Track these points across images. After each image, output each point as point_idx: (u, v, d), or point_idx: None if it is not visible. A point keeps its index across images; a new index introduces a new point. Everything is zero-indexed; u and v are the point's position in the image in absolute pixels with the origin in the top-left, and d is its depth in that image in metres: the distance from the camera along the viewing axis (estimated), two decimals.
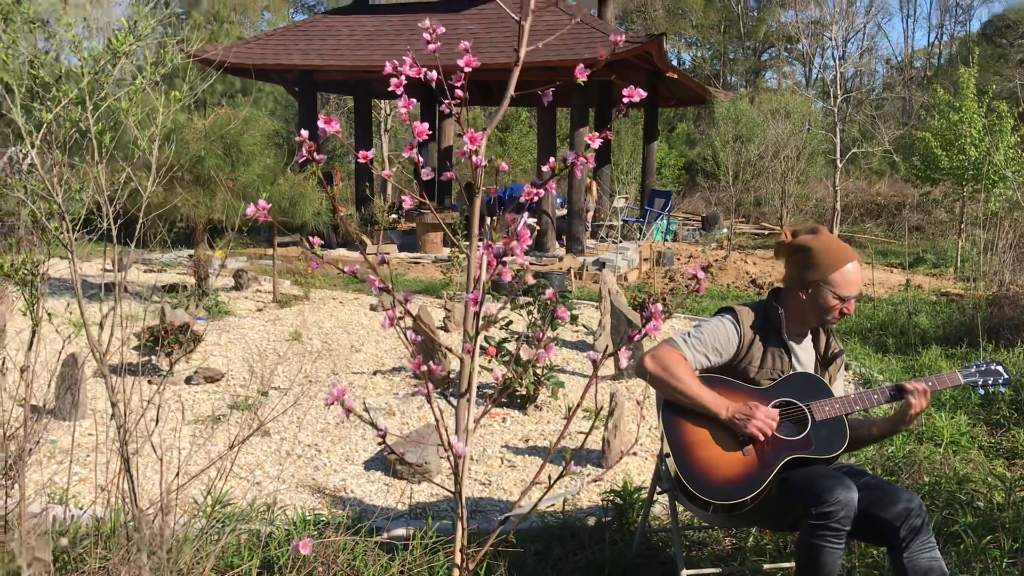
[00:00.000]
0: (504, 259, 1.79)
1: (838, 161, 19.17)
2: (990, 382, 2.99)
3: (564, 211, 14.60)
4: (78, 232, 2.42)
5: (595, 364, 1.81)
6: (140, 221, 2.66)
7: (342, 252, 13.83)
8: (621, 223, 16.65)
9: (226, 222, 8.67)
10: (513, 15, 1.88)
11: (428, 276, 12.25)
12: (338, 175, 19.10)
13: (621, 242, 15.60)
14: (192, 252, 9.37)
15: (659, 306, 1.89)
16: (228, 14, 33.97)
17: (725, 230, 18.04)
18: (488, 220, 12.63)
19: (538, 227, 13.90)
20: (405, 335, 1.93)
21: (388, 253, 13.86)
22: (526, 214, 14.38)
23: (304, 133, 1.75)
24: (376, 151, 23.95)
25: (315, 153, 1.75)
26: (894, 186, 24.63)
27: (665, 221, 16.91)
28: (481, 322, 1.86)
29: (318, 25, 14.93)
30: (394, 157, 26.26)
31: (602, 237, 16.26)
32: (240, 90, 23.53)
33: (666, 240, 16.65)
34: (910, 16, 43.91)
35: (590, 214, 16.31)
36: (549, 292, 1.93)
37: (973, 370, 3.01)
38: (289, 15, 49.93)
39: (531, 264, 12.77)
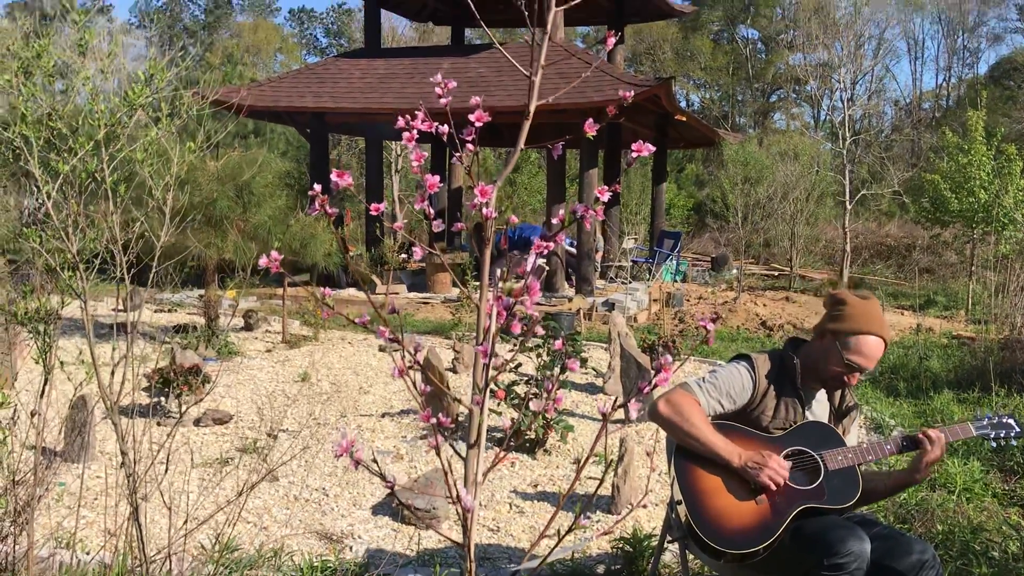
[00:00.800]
0: (514, 311, 1.79)
1: (847, 203, 19.21)
2: (1002, 435, 2.97)
3: (574, 251, 14.63)
4: (91, 274, 2.44)
5: (604, 417, 1.81)
6: (153, 265, 2.68)
7: (352, 292, 13.87)
8: (631, 264, 16.67)
9: (237, 263, 8.72)
10: (524, 71, 1.91)
11: (437, 316, 12.26)
12: (348, 215, 19.22)
13: (631, 283, 15.61)
14: (203, 292, 9.42)
15: (669, 357, 1.89)
16: (242, 56, 34.42)
17: (735, 271, 18.03)
18: (498, 271, 12.65)
19: (548, 267, 13.93)
20: (414, 385, 1.94)
21: (398, 293, 13.90)
22: (535, 260, 14.47)
23: (317, 187, 1.77)
24: (387, 191, 24.10)
25: (327, 206, 1.76)
26: (904, 227, 24.64)
27: (675, 262, 16.92)
28: (491, 373, 1.86)
29: (330, 68, 15.11)
30: (404, 197, 26.43)
31: (612, 278, 16.28)
32: (252, 131, 23.77)
33: (676, 281, 16.65)
34: (918, 58, 44.14)
35: (599, 254, 16.34)
36: (558, 343, 1.93)
37: (985, 422, 2.99)
38: (302, 57, 50.62)
39: (541, 305, 12.78)
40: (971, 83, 40.08)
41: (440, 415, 1.88)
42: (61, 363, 2.18)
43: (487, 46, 14.74)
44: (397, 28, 33.45)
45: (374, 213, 1.85)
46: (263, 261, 1.84)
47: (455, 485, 1.85)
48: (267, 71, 42.87)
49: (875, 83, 39.10)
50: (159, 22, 52.71)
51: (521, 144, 1.94)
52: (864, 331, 2.93)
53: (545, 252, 1.82)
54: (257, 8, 56.10)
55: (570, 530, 1.79)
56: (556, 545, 1.88)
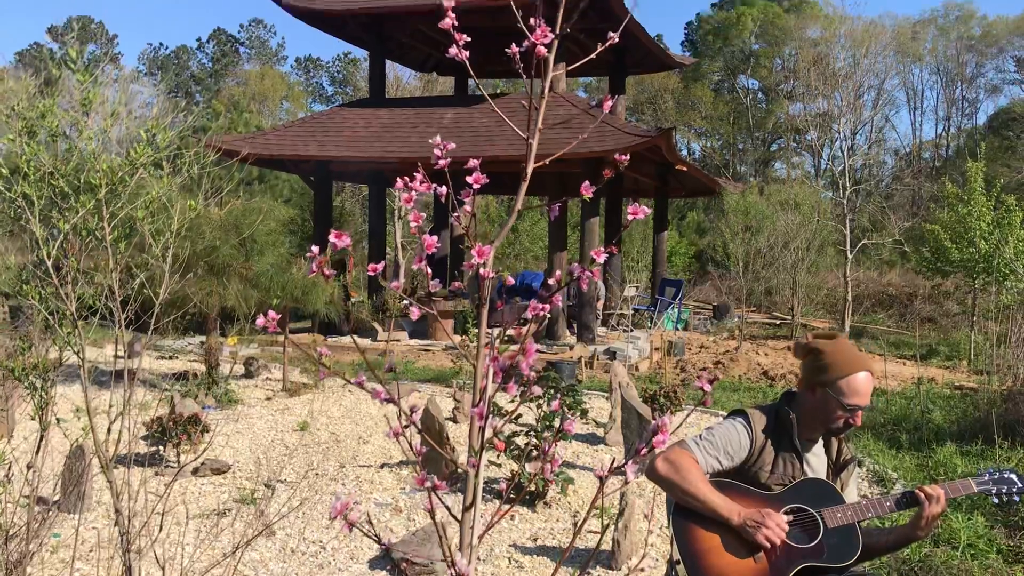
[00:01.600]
0: (510, 372, 1.79)
1: (848, 252, 19.26)
2: (1004, 491, 2.94)
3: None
4: (90, 330, 2.45)
5: (601, 480, 1.80)
6: (154, 316, 2.69)
7: (354, 339, 13.84)
8: (632, 312, 16.67)
9: (238, 310, 8.73)
10: (521, 133, 1.93)
11: (438, 364, 12.24)
12: (351, 262, 19.27)
13: (632, 331, 15.59)
14: (204, 339, 9.41)
15: (666, 419, 1.89)
16: (248, 103, 34.81)
17: (736, 320, 18.02)
18: (503, 315, 12.63)
19: (548, 315, 13.91)
20: (411, 445, 1.93)
21: (399, 340, 13.88)
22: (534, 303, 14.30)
23: (315, 249, 1.78)
24: (390, 237, 24.20)
25: (325, 268, 1.77)
26: (905, 276, 24.66)
27: (676, 310, 16.92)
28: (488, 434, 1.85)
29: (335, 117, 15.27)
30: (407, 243, 26.52)
31: (613, 326, 16.27)
32: (257, 177, 23.94)
33: (677, 329, 16.63)
34: (917, 108, 44.46)
35: (600, 302, 16.35)
36: (555, 403, 1.92)
37: (987, 478, 2.96)
38: (308, 105, 51.14)
39: (542, 353, 12.76)
40: (970, 133, 40.41)
41: (435, 477, 1.87)
42: (58, 420, 2.18)
43: (491, 96, 14.88)
44: (402, 77, 33.86)
45: (371, 273, 1.86)
46: (260, 321, 1.84)
47: (450, 550, 1.83)
48: (273, 118, 43.29)
49: (875, 133, 39.43)
50: (166, 72, 53.37)
51: (519, 205, 1.95)
52: (851, 372, 2.93)
53: (541, 313, 1.82)
54: (264, 57, 56.83)
55: None
56: None
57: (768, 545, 2.81)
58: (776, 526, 2.81)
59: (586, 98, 15.23)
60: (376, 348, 13.16)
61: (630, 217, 1.91)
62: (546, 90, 1.89)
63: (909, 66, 42.29)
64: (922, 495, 2.92)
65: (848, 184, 20.37)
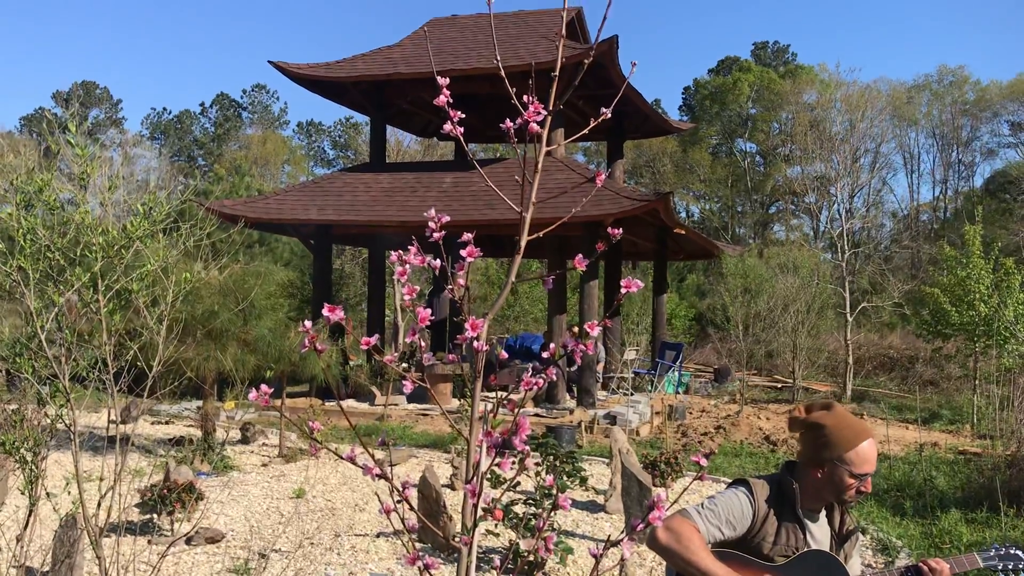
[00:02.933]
0: (504, 450, 1.77)
1: (848, 315, 19.25)
2: (1010, 567, 2.91)
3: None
4: (87, 394, 2.43)
5: (596, 559, 1.77)
6: (149, 382, 2.67)
7: (351, 403, 13.77)
8: (632, 375, 16.60)
9: (236, 375, 8.70)
10: (515, 207, 1.94)
11: (436, 429, 12.14)
12: (350, 325, 19.26)
13: (632, 394, 15.51)
14: (200, 404, 9.36)
15: (662, 494, 1.86)
16: (250, 167, 35.15)
17: (737, 383, 17.94)
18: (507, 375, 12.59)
19: (548, 380, 13.84)
20: (403, 521, 1.90)
21: (397, 404, 13.80)
22: (533, 366, 14.23)
23: (307, 324, 1.77)
24: (389, 299, 24.22)
25: (316, 344, 1.76)
26: (906, 339, 24.61)
27: (677, 373, 16.86)
28: (480, 513, 1.83)
29: (336, 181, 15.40)
30: (407, 307, 26.54)
31: (613, 389, 16.19)
32: (258, 240, 24.04)
33: (678, 393, 16.55)
34: (914, 171, 44.89)
35: (600, 365, 16.29)
36: (550, 479, 1.90)
37: (992, 553, 2.94)
38: (309, 168, 51.65)
39: (541, 417, 12.67)
40: (967, 196, 40.70)
41: (427, 555, 1.83)
42: (48, 494, 2.15)
43: (490, 160, 15.04)
44: (403, 141, 34.26)
45: (364, 347, 1.86)
46: (253, 396, 1.83)
47: None
48: (275, 182, 43.69)
49: (873, 196, 39.76)
50: (169, 136, 53.98)
51: (512, 277, 1.96)
52: (857, 443, 2.91)
53: (534, 388, 1.81)
54: (266, 121, 57.55)
55: None
56: None
57: None
58: None
59: (585, 163, 15.39)
60: (374, 412, 13.07)
61: (623, 291, 1.91)
62: (539, 165, 1.90)
63: (905, 130, 42.81)
64: (926, 568, 2.88)
65: (847, 247, 20.46)
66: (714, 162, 43.96)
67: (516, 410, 1.77)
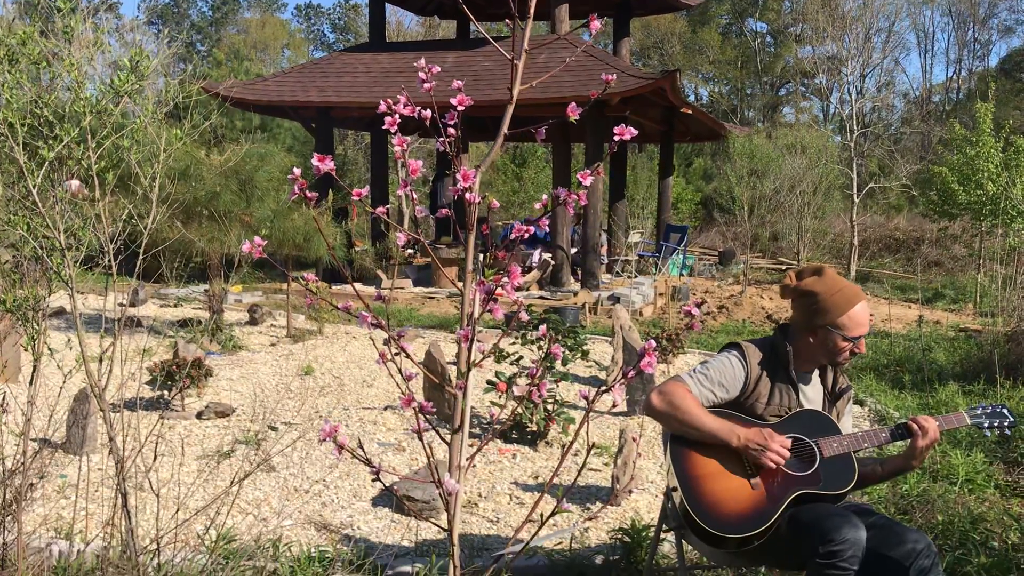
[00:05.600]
0: (495, 296, 1.79)
1: (855, 196, 19.12)
2: (996, 424, 2.98)
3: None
4: (90, 267, 2.44)
5: (588, 400, 1.81)
6: (140, 255, 2.67)
7: (357, 287, 13.88)
8: (636, 258, 16.63)
9: (241, 257, 8.74)
10: (507, 54, 1.90)
11: (443, 311, 12.26)
12: (355, 210, 19.24)
13: (636, 277, 15.58)
14: (207, 287, 9.44)
15: (652, 342, 1.88)
16: (248, 52, 34.47)
17: (741, 265, 17.98)
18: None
19: (553, 262, 13.91)
20: (400, 372, 1.93)
21: (403, 288, 13.91)
22: (539, 255, 14.25)
23: (296, 171, 1.76)
24: (392, 186, 24.10)
25: (307, 191, 1.76)
26: (913, 221, 24.53)
27: (681, 256, 16.88)
28: (475, 357, 1.85)
29: (335, 63, 15.11)
30: (415, 195, 26.39)
31: (617, 272, 16.25)
32: (259, 126, 23.79)
33: (682, 275, 16.61)
34: (928, 51, 43.87)
35: (604, 248, 16.31)
36: (543, 329, 1.92)
37: (979, 411, 3.01)
38: (309, 53, 50.65)
39: (545, 299, 12.77)
40: (981, 76, 39.83)
41: (431, 405, 1.87)
42: (50, 350, 2.18)
43: (494, 39, 14.68)
44: (403, 22, 33.46)
45: (376, 215, 1.85)
46: (246, 247, 1.83)
47: (436, 469, 1.85)
48: (274, 67, 42.89)
49: (884, 76, 38.90)
50: (167, 22, 52.79)
51: (504, 129, 1.94)
52: (849, 307, 2.95)
53: (526, 235, 1.81)
54: (264, 4, 56.16)
55: (553, 513, 1.78)
56: (539, 528, 1.87)
57: (773, 466, 2.83)
58: (779, 447, 2.83)
59: (590, 41, 15.02)
60: (364, 293, 13.18)
61: (616, 138, 1.89)
62: (532, 7, 1.85)
63: (920, 7, 41.56)
64: (915, 426, 2.94)
65: (856, 127, 20.16)
66: (724, 43, 42.90)
67: (506, 256, 1.78)
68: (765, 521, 2.78)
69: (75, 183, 2.29)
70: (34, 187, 1.99)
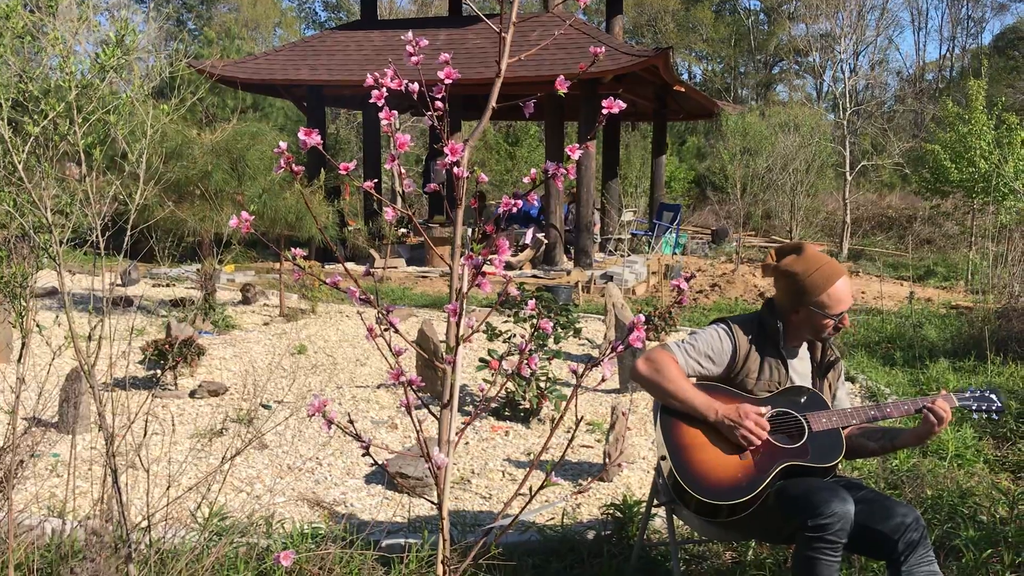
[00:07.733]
0: (483, 271, 1.78)
1: (848, 174, 19.12)
2: (983, 407, 3.01)
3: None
4: (78, 243, 2.43)
5: (576, 375, 1.81)
6: (128, 232, 2.66)
7: (350, 266, 13.86)
8: (630, 236, 16.63)
9: (232, 236, 8.72)
10: (495, 27, 1.89)
11: (435, 290, 12.26)
12: (347, 189, 19.18)
13: (630, 256, 15.59)
14: (199, 266, 9.42)
15: (642, 316, 1.89)
16: (240, 30, 34.21)
17: (734, 243, 18.00)
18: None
19: (546, 240, 13.90)
20: (390, 347, 1.93)
21: (396, 267, 13.89)
22: (533, 233, 14.19)
23: (283, 144, 1.75)
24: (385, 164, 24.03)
25: (293, 165, 1.75)
26: (905, 199, 24.54)
27: (674, 235, 16.89)
28: (464, 332, 1.86)
29: (326, 40, 15.02)
30: (404, 170, 26.30)
31: (611, 251, 16.25)
32: (251, 105, 23.64)
33: (675, 254, 16.62)
34: (921, 29, 43.74)
35: (597, 227, 16.30)
36: (531, 304, 1.93)
37: (968, 395, 3.04)
38: (301, 31, 50.29)
39: (539, 278, 12.77)
40: (975, 53, 39.76)
41: (418, 378, 1.88)
42: (39, 327, 2.18)
43: (486, 16, 14.59)
44: (396, 1, 33.23)
45: (367, 189, 1.84)
46: (233, 222, 1.83)
47: (426, 443, 1.85)
48: (266, 46, 42.60)
49: (878, 54, 38.81)
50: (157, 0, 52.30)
51: (492, 102, 1.93)
52: (829, 285, 2.97)
53: (514, 210, 1.81)
54: None
55: (541, 487, 1.79)
56: (528, 502, 1.88)
57: (747, 445, 2.86)
58: (755, 425, 2.85)
59: (584, 19, 14.96)
60: (373, 275, 13.17)
61: (604, 111, 1.88)
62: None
63: None
64: (932, 417, 2.91)
65: (849, 105, 20.13)
66: (717, 21, 42.73)
67: (495, 231, 1.77)
68: (752, 490, 2.80)
69: (74, 167, 2.28)
70: (20, 163, 1.98)
